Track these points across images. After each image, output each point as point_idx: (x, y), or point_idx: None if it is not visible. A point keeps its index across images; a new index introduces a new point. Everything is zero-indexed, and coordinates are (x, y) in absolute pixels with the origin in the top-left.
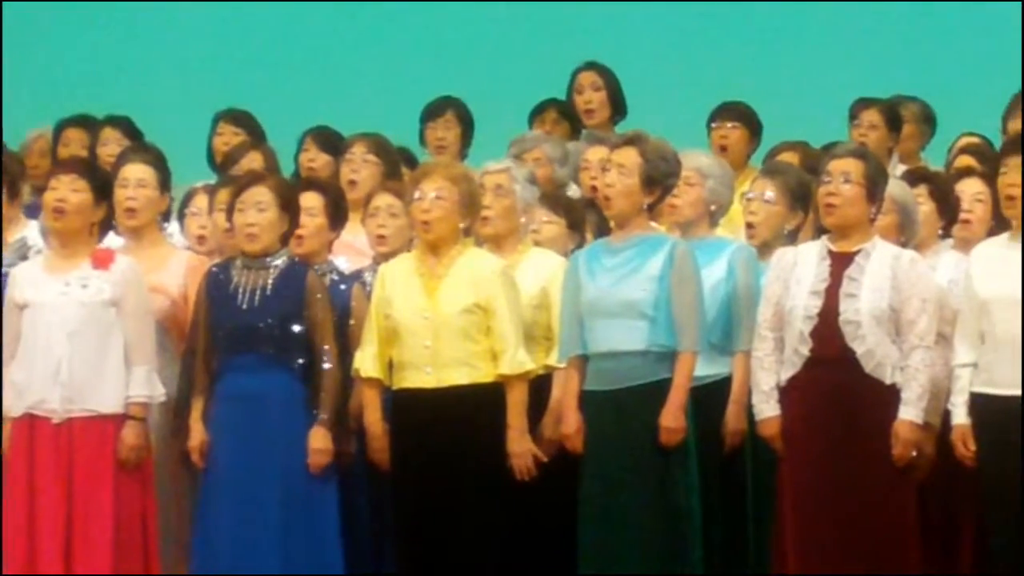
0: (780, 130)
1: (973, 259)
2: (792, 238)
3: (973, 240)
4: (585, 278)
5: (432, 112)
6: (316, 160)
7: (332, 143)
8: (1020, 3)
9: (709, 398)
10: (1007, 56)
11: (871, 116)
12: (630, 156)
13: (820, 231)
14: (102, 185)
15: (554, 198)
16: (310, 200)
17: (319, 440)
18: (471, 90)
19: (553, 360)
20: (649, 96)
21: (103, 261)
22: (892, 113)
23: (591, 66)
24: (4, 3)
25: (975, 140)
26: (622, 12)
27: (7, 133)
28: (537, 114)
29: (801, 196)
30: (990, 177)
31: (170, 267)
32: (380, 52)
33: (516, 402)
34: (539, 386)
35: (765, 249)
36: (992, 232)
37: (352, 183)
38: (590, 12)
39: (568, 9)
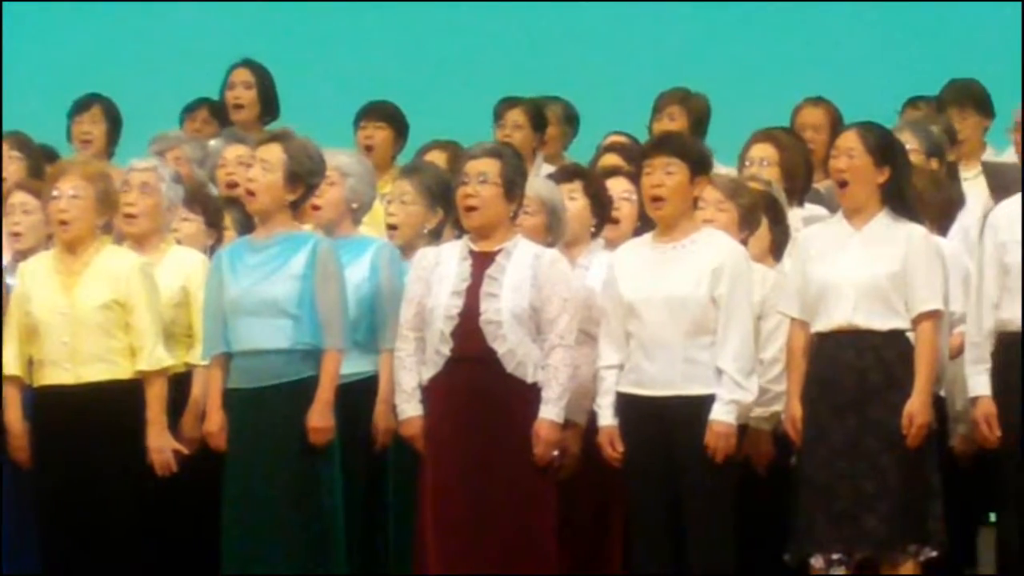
0: (430, 130)
1: (617, 260)
2: (436, 237)
3: (621, 239)
4: (228, 276)
5: (79, 107)
6: None
7: None
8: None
9: (354, 396)
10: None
11: (515, 116)
12: (274, 152)
13: (462, 230)
14: None
15: (192, 196)
16: None
17: None
18: (124, 87)
19: (193, 358)
20: (301, 96)
21: None
22: (536, 113)
23: (245, 63)
24: None
25: (622, 139)
26: (282, 11)
27: None
28: (188, 112)
29: (440, 195)
30: (636, 176)
31: None
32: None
33: (155, 398)
34: (181, 383)
35: (408, 250)
36: (638, 232)
37: None
38: (248, 11)
39: (226, 9)
